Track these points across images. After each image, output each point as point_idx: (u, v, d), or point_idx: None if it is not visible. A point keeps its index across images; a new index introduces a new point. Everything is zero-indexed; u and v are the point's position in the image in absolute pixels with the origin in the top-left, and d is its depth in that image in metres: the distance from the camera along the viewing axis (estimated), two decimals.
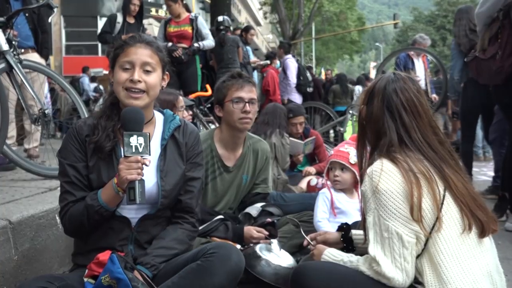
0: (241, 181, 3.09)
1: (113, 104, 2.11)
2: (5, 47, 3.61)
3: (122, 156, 1.91)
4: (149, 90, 2.04)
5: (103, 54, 21.42)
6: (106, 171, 2.02)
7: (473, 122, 5.44)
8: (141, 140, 1.88)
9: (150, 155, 1.92)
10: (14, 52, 3.66)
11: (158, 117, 2.22)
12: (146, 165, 1.90)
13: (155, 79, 2.06)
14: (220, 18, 8.34)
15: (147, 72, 2.04)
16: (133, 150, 1.87)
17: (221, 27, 8.15)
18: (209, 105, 7.23)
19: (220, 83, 3.05)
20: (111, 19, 6.52)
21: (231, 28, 8.60)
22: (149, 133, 1.96)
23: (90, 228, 2.00)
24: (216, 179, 3.02)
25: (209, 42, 6.67)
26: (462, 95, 5.34)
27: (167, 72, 2.17)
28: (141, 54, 2.03)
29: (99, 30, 6.76)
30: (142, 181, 1.88)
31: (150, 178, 2.04)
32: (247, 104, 2.93)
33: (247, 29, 9.63)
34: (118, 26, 6.48)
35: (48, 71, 4.07)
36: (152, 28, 13.30)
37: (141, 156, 1.88)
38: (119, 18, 6.48)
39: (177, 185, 2.13)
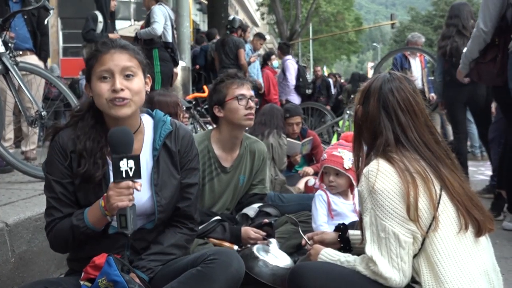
0: (238, 182, 3.09)
1: (96, 121, 1.95)
2: (1, 49, 3.60)
3: (111, 179, 1.79)
4: (134, 96, 1.88)
5: None
6: (94, 190, 1.91)
7: (460, 119, 5.46)
8: (131, 163, 1.74)
9: (141, 178, 1.78)
10: (11, 55, 3.65)
11: (147, 123, 2.08)
12: (138, 190, 1.77)
13: (139, 83, 1.91)
14: (231, 17, 8.28)
15: (128, 77, 1.88)
16: (124, 175, 1.73)
17: (228, 26, 8.11)
18: (206, 106, 7.23)
19: (217, 84, 3.05)
20: (94, 18, 6.47)
21: (241, 29, 8.48)
22: (139, 155, 1.83)
23: (76, 246, 1.93)
24: (213, 180, 3.01)
25: (145, 30, 6.05)
26: (444, 97, 5.40)
27: (148, 75, 2.01)
28: (119, 59, 1.87)
29: None
30: (133, 207, 1.77)
31: (144, 192, 1.94)
32: (249, 101, 2.98)
33: (243, 28, 9.58)
34: (100, 26, 6.44)
35: (45, 73, 4.06)
36: None
37: (132, 181, 1.76)
38: (100, 18, 6.44)
39: (173, 197, 2.05)
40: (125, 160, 1.74)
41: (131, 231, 1.77)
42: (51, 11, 4.05)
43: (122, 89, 1.85)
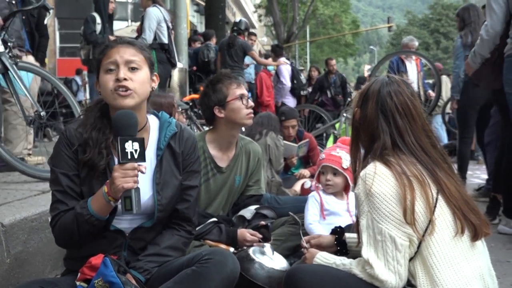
0: (234, 182, 3.09)
1: (103, 114, 2.01)
2: (1, 48, 3.61)
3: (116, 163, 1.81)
4: (137, 88, 1.92)
5: None
6: (99, 184, 1.91)
7: (471, 124, 5.45)
8: (136, 145, 1.77)
9: (145, 161, 1.81)
10: (10, 54, 3.66)
11: (153, 123, 2.11)
12: (143, 172, 1.80)
13: (143, 76, 1.96)
14: (237, 19, 8.35)
15: (133, 69, 1.94)
16: (129, 157, 1.75)
17: (235, 28, 8.17)
18: None
19: (215, 84, 3.04)
20: (92, 20, 6.48)
21: (247, 31, 8.53)
22: (144, 138, 1.85)
23: (81, 239, 1.92)
24: (209, 181, 3.01)
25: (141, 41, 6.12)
26: (462, 94, 5.35)
27: (155, 73, 2.07)
28: (124, 52, 1.94)
29: None
30: (138, 189, 1.78)
31: (145, 190, 1.96)
32: (248, 100, 3.05)
33: (249, 30, 9.60)
34: (98, 27, 6.45)
35: (44, 73, 4.06)
36: None
37: (137, 163, 1.78)
38: (98, 19, 6.44)
39: (173, 197, 2.06)
40: (130, 142, 1.77)
41: (136, 213, 1.79)
42: (51, 11, 4.06)
43: (125, 79, 1.90)
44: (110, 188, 1.79)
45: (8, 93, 4.23)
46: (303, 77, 10.09)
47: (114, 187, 1.76)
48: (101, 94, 1.98)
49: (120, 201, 1.80)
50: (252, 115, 3.08)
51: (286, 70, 9.38)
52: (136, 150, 1.77)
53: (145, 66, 1.99)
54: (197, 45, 10.16)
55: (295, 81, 9.52)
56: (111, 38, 6.47)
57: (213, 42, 9.28)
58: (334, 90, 10.45)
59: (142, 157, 1.79)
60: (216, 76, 3.13)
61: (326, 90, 10.47)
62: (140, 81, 1.94)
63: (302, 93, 9.90)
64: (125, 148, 1.76)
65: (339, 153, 3.04)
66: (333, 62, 11.12)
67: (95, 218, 1.85)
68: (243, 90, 3.04)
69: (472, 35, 5.25)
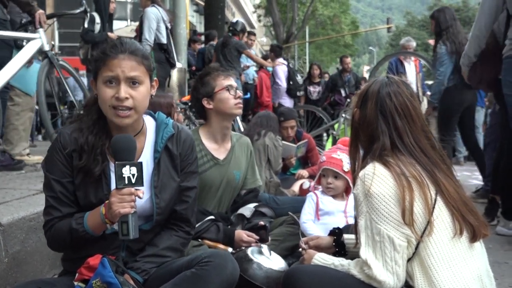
0: (233, 177, 3.08)
1: (100, 117, 1.95)
2: (47, 47, 3.84)
3: (112, 178, 1.81)
4: (138, 106, 1.88)
5: None
6: (94, 190, 1.92)
7: (452, 127, 5.47)
8: (134, 170, 1.74)
9: (143, 185, 1.79)
10: (54, 52, 3.90)
11: (149, 124, 2.07)
12: (140, 197, 1.78)
13: (143, 92, 1.90)
14: (234, 20, 8.36)
15: (134, 84, 1.87)
16: (126, 182, 1.73)
17: (231, 28, 8.18)
18: None
19: (203, 77, 3.10)
20: (91, 19, 6.49)
21: (242, 33, 8.52)
22: (142, 162, 1.82)
23: (73, 247, 1.92)
24: (206, 172, 2.98)
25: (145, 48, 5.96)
26: (446, 99, 5.28)
27: (155, 78, 2.01)
28: (125, 67, 1.84)
29: None
30: (135, 214, 1.76)
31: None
32: (237, 91, 3.08)
33: (245, 31, 9.61)
34: (97, 27, 6.46)
35: (75, 74, 4.31)
36: None
37: (135, 188, 1.76)
38: (98, 19, 6.46)
39: (171, 200, 2.05)
40: (127, 166, 1.74)
41: (132, 238, 1.77)
42: (88, 14, 4.24)
43: (126, 98, 1.85)
44: (107, 212, 1.78)
45: (13, 91, 4.30)
46: (299, 77, 10.08)
47: (111, 212, 1.75)
48: (99, 104, 1.92)
49: (117, 224, 1.80)
50: (241, 105, 3.11)
51: (281, 71, 9.39)
52: (133, 175, 1.75)
53: (146, 79, 1.93)
54: (197, 45, 10.16)
55: (291, 82, 9.52)
56: (110, 35, 6.47)
57: (215, 42, 9.30)
58: (349, 89, 10.10)
59: (140, 182, 1.77)
60: (204, 70, 3.21)
61: (340, 89, 10.17)
62: (140, 98, 1.89)
63: (298, 93, 9.90)
64: (122, 173, 1.74)
65: (340, 155, 3.03)
66: (349, 60, 10.69)
67: (90, 235, 1.87)
68: (230, 81, 3.08)
69: (454, 42, 5.24)
